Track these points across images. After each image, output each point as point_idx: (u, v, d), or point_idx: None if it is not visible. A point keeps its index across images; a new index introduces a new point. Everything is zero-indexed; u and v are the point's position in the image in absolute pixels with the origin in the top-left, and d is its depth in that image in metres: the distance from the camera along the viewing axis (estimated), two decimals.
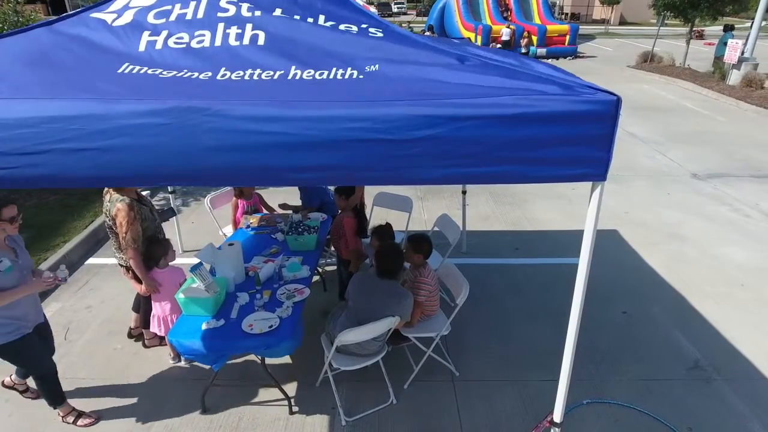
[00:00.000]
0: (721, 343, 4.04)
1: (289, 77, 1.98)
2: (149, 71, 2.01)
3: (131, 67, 2.03)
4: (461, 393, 3.48)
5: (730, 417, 3.31)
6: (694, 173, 7.91)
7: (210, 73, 2.03)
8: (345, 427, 3.19)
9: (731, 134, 9.99)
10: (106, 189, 3.22)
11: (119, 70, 2.01)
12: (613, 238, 5.80)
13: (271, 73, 2.01)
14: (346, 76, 1.95)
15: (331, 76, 1.97)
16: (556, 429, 2.37)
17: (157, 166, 1.71)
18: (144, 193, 3.59)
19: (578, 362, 3.78)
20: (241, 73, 2.02)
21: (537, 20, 22.93)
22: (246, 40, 2.19)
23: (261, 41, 2.19)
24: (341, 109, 1.68)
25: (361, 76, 1.96)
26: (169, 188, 5.16)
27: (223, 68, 2.06)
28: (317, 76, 1.98)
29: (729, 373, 3.69)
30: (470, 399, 3.43)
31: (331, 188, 5.12)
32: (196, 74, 2.01)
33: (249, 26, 2.26)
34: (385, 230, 3.77)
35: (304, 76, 1.98)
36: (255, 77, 1.98)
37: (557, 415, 2.35)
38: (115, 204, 3.12)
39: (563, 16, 36.61)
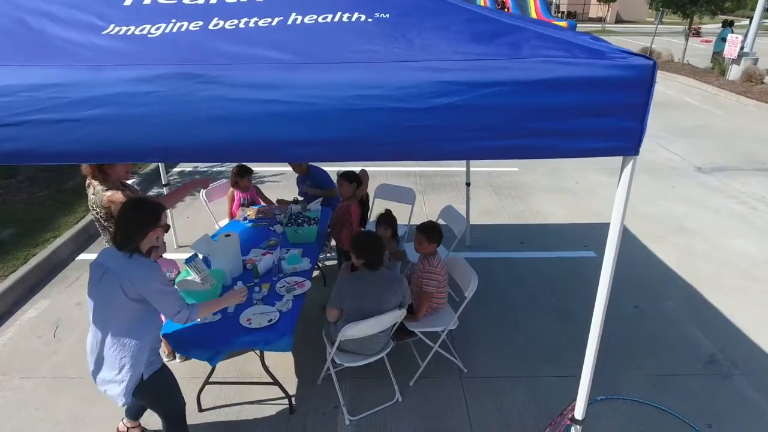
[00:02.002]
0: (737, 336, 3.91)
1: (289, 23, 1.81)
2: (137, 31, 1.82)
3: (117, 28, 1.84)
4: (469, 390, 3.33)
5: (751, 413, 3.17)
6: (698, 167, 7.79)
7: (201, 23, 1.84)
8: (349, 426, 3.03)
9: (733, 128, 9.89)
10: (88, 182, 3.02)
11: (104, 32, 1.82)
12: None
13: (269, 20, 1.83)
14: (353, 19, 1.79)
15: (336, 20, 1.80)
16: (578, 426, 2.21)
17: (147, 139, 1.54)
18: (130, 181, 3.40)
19: None
20: (236, 21, 1.83)
21: (534, 17, 22.84)
22: None
23: None
24: (350, 73, 1.51)
25: (369, 20, 1.79)
26: (163, 180, 4.98)
27: (216, 18, 1.87)
28: (320, 20, 1.81)
29: (747, 367, 3.55)
30: (479, 396, 3.28)
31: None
32: (185, 24, 1.82)
33: None
34: (391, 217, 3.68)
35: (306, 21, 1.81)
36: (251, 25, 1.81)
37: (579, 412, 2.20)
38: (102, 195, 2.94)
39: (560, 14, 36.55)
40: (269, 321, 2.79)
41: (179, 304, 2.29)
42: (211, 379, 3.14)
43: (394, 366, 3.24)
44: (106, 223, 3.05)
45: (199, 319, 2.48)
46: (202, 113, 1.53)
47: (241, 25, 1.81)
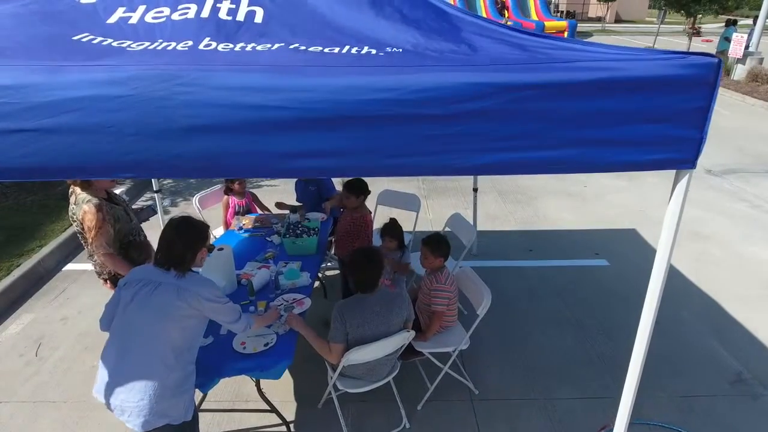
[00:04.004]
0: (761, 351, 3.68)
1: (291, 47, 1.59)
2: (114, 43, 1.61)
3: (90, 37, 1.63)
4: (482, 414, 3.09)
5: None
6: (707, 169, 7.57)
7: (191, 42, 1.64)
8: None
9: (740, 129, 9.69)
10: (71, 189, 2.78)
11: (75, 37, 1.60)
12: (632, 237, 5.43)
13: (269, 45, 1.63)
14: (363, 52, 1.56)
15: (344, 51, 1.59)
16: None
17: (116, 152, 1.30)
18: (118, 191, 3.16)
19: (608, 376, 3.41)
20: (230, 45, 1.63)
21: (534, 16, 22.60)
22: (240, 17, 1.81)
23: (258, 18, 1.81)
24: (360, 76, 1.28)
25: (381, 54, 1.58)
26: (155, 186, 4.73)
27: (208, 38, 1.67)
28: (326, 51, 1.59)
29: None
30: (492, 421, 3.04)
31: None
32: (173, 44, 1.62)
33: (244, 2, 1.88)
34: (397, 227, 3.43)
35: (311, 50, 1.60)
36: (248, 49, 1.60)
37: None
38: (81, 206, 2.69)
39: (559, 14, 36.35)
40: (265, 345, 2.55)
41: (238, 310, 2.26)
42: (202, 406, 2.90)
43: (400, 388, 3.01)
44: (87, 236, 2.81)
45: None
46: (181, 121, 1.29)
47: (237, 49, 1.58)
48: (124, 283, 2.14)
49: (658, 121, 1.33)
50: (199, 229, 2.18)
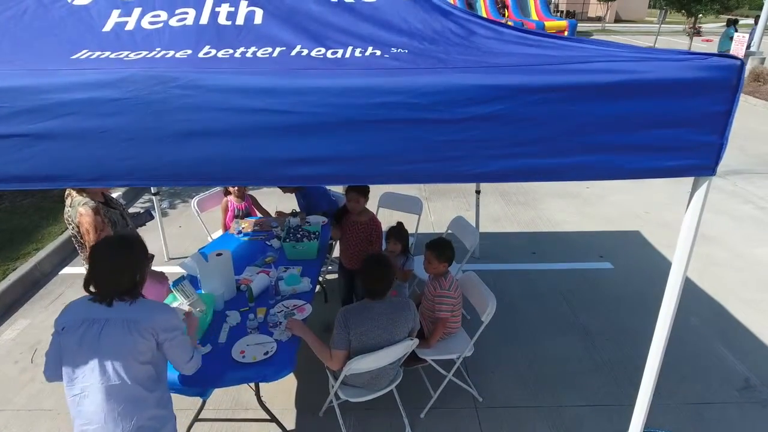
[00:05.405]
0: None
1: (293, 54, 1.54)
2: (112, 55, 1.55)
3: (89, 53, 1.57)
4: (486, 422, 3.03)
5: None
6: None
7: (190, 51, 1.58)
8: None
9: (742, 130, 9.62)
10: (66, 192, 2.72)
11: (74, 56, 1.54)
12: (636, 240, 5.37)
13: (269, 50, 1.58)
14: (367, 54, 1.51)
15: (347, 55, 1.53)
16: None
17: (110, 159, 1.24)
18: (114, 194, 3.10)
19: (615, 383, 3.35)
20: (230, 50, 1.58)
21: (534, 16, 22.50)
22: (240, 20, 1.76)
23: (258, 20, 1.76)
24: (365, 78, 1.21)
25: (386, 56, 1.52)
26: (153, 189, 4.67)
27: (208, 45, 1.62)
28: (329, 55, 1.53)
29: None
30: (497, 429, 2.98)
31: (333, 189, 4.65)
32: (171, 53, 1.56)
33: (244, 3, 1.82)
34: (403, 231, 3.37)
35: (313, 54, 1.54)
36: (248, 55, 1.54)
37: None
38: (77, 209, 2.63)
39: (559, 14, 36.32)
40: (266, 354, 2.48)
41: (191, 348, 1.99)
42: (200, 416, 2.83)
43: (403, 396, 2.94)
44: (82, 240, 2.74)
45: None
46: (178, 125, 1.23)
47: (237, 55, 1.52)
48: (62, 327, 1.81)
49: (677, 125, 1.27)
50: (139, 242, 1.94)
